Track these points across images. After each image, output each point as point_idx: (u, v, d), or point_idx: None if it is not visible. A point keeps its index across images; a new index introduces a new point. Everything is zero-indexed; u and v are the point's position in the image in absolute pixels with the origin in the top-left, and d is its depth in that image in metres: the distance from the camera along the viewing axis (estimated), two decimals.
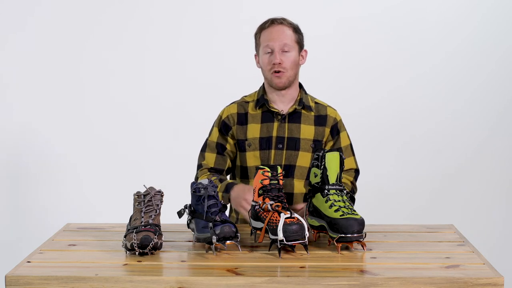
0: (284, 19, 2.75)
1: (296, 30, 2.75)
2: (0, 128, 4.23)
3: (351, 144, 2.81)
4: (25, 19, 4.20)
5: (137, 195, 2.30)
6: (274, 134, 2.74)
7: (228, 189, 2.64)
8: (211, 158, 2.77)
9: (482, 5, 4.21)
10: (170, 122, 4.27)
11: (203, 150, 2.81)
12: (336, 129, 2.78)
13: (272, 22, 2.74)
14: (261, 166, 2.32)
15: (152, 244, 2.16)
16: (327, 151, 2.31)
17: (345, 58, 4.24)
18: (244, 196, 2.54)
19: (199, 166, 2.80)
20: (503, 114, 4.25)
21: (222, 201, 2.59)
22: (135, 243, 2.16)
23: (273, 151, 2.73)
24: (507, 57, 4.23)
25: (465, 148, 4.26)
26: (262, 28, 2.75)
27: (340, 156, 2.30)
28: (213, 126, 2.83)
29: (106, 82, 4.25)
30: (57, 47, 4.22)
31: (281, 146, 2.73)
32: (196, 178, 2.78)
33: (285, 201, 2.29)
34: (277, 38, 2.70)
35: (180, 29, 4.24)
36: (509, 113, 4.25)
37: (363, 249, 2.23)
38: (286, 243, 2.14)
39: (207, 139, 2.82)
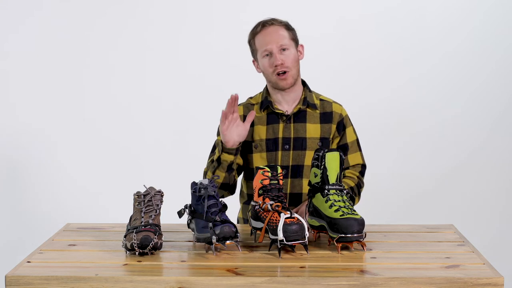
0: (273, 20, 2.73)
1: (288, 27, 2.74)
2: (0, 127, 4.24)
3: (357, 140, 2.81)
4: (25, 20, 4.20)
5: (137, 195, 2.30)
6: (280, 135, 2.73)
7: (217, 144, 2.67)
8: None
9: (482, 5, 4.21)
10: (170, 122, 4.27)
11: (213, 150, 2.79)
12: (342, 125, 2.77)
13: (263, 25, 2.72)
14: (261, 166, 2.32)
15: (152, 244, 2.16)
16: (327, 151, 2.31)
17: (344, 58, 4.24)
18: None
19: (210, 161, 2.76)
20: (503, 114, 4.25)
21: (222, 150, 2.63)
22: (135, 243, 2.16)
23: (280, 152, 2.72)
24: (507, 57, 4.23)
25: (465, 148, 4.26)
26: (255, 33, 2.73)
27: (340, 156, 2.30)
28: (219, 128, 2.78)
29: (107, 82, 4.25)
30: (58, 47, 4.22)
31: (287, 147, 2.72)
32: (205, 172, 2.75)
33: (285, 201, 2.29)
34: (273, 40, 2.68)
35: (181, 28, 4.24)
36: (509, 113, 4.25)
37: (363, 249, 2.23)
38: (286, 243, 2.14)
39: (216, 141, 2.79)
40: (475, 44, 4.23)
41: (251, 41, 2.75)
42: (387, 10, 4.23)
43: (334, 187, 2.28)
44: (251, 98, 2.83)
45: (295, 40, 2.74)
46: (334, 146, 2.78)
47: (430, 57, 4.24)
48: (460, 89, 4.25)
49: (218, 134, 2.80)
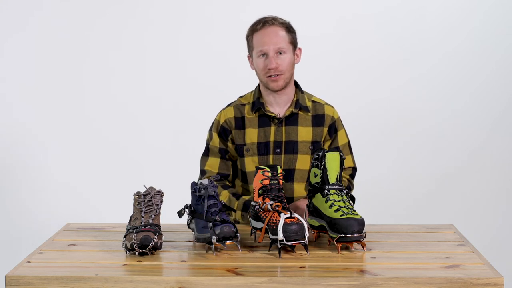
0: (275, 19, 2.66)
1: (289, 29, 2.67)
2: (0, 127, 4.24)
3: (349, 142, 2.77)
4: (25, 20, 4.20)
5: (137, 195, 2.30)
6: (272, 139, 2.68)
7: (246, 207, 2.59)
8: (215, 163, 2.72)
9: (482, 5, 4.21)
10: (170, 122, 4.27)
11: (206, 154, 2.75)
12: (334, 128, 2.73)
13: (264, 23, 2.65)
14: (261, 166, 2.32)
15: (152, 244, 2.16)
16: (327, 151, 2.31)
17: (344, 58, 4.24)
18: None
19: (203, 172, 2.74)
20: (503, 114, 4.25)
21: (242, 220, 2.61)
22: (135, 243, 2.16)
23: (271, 156, 2.68)
24: (507, 57, 4.23)
25: (465, 148, 4.26)
26: (254, 30, 2.67)
27: (340, 156, 2.30)
28: (211, 131, 2.76)
29: (106, 82, 4.25)
30: (58, 47, 4.22)
31: (279, 150, 2.68)
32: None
33: (285, 201, 2.29)
34: (270, 42, 2.62)
35: (181, 28, 4.24)
36: (509, 113, 4.25)
37: (363, 249, 2.23)
38: (286, 243, 2.14)
39: (208, 144, 2.75)
40: (475, 44, 4.23)
41: (249, 37, 2.69)
42: (387, 10, 4.22)
43: (334, 187, 2.28)
44: (241, 97, 2.78)
45: (293, 43, 2.68)
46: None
47: (430, 57, 4.23)
48: (460, 89, 4.25)
49: (210, 137, 2.76)
